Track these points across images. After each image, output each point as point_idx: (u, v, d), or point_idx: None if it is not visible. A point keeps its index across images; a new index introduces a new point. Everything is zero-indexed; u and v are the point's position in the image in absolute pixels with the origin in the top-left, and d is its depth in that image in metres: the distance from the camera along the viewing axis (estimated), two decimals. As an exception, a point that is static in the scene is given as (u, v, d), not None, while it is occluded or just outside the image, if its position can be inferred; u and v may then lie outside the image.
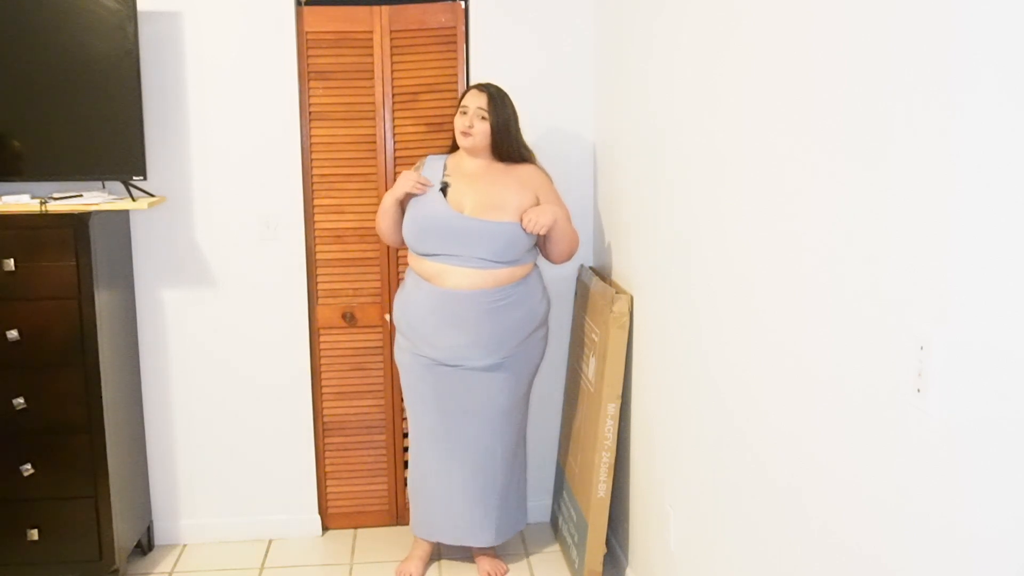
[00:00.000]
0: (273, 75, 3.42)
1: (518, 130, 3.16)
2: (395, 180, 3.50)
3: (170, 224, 3.46)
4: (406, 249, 3.31)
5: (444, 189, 3.12)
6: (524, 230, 3.05)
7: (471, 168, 3.16)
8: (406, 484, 3.65)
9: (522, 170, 3.16)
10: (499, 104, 3.10)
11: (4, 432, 3.11)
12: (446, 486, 3.23)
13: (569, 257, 3.22)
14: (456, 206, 3.09)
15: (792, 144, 1.83)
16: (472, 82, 3.43)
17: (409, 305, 3.16)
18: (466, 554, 3.45)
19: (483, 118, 3.09)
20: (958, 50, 1.31)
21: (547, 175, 3.20)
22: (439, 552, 3.47)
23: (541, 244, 3.19)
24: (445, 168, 3.18)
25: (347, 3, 3.45)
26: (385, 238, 3.28)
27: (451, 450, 3.20)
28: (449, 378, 3.14)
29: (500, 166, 3.16)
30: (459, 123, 3.12)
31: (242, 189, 3.47)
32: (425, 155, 3.32)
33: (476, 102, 3.10)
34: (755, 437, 2.05)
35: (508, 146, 3.13)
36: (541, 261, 3.27)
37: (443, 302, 3.07)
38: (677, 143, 2.55)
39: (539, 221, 3.02)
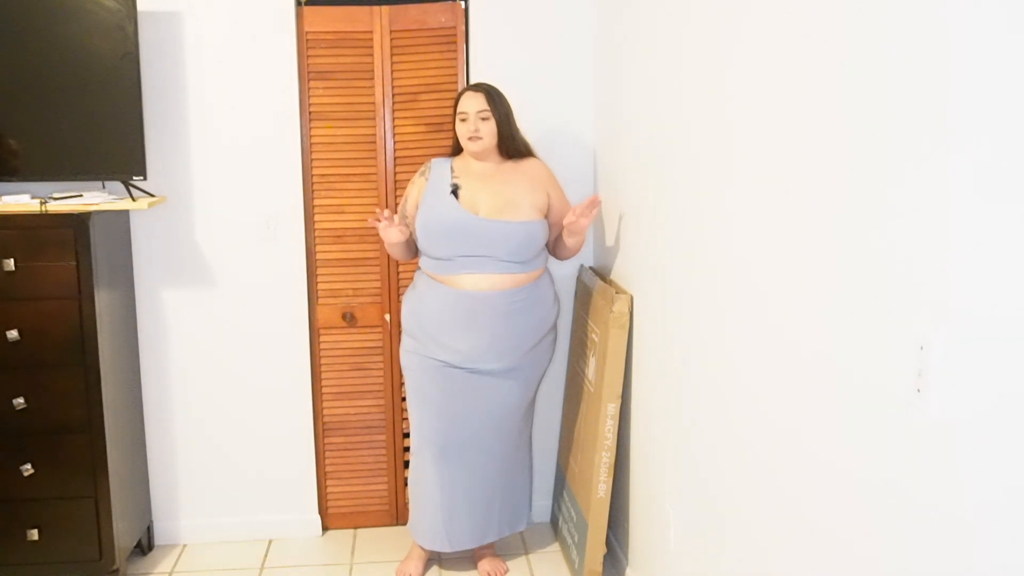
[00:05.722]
0: (273, 75, 3.42)
1: (515, 122, 3.17)
2: (395, 180, 3.51)
3: (170, 224, 3.46)
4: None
5: (455, 191, 3.11)
6: (551, 226, 3.15)
7: (479, 169, 3.15)
8: (406, 484, 3.65)
9: (528, 167, 3.16)
10: (497, 100, 3.10)
11: (4, 432, 3.11)
12: (450, 493, 3.20)
13: (574, 255, 3.27)
14: (470, 207, 3.07)
15: (794, 144, 1.83)
16: (471, 82, 3.43)
17: (421, 307, 3.15)
18: (466, 554, 3.44)
19: (485, 119, 3.08)
20: (957, 51, 1.31)
21: (549, 169, 3.22)
22: (438, 552, 3.47)
23: (552, 243, 3.20)
24: (452, 170, 3.17)
25: (347, 3, 3.45)
26: (397, 258, 3.31)
27: (457, 455, 3.18)
28: (460, 381, 3.13)
29: (508, 164, 3.16)
30: (463, 130, 3.10)
31: (242, 189, 3.47)
32: (429, 158, 3.31)
33: (475, 105, 3.09)
34: (755, 437, 2.05)
35: (512, 140, 3.14)
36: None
37: (458, 304, 3.07)
38: (677, 143, 2.55)
39: (580, 227, 3.07)
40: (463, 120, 3.10)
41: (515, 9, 3.46)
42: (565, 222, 3.08)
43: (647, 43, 2.82)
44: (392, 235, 3.11)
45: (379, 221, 3.08)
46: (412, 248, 3.24)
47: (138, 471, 3.50)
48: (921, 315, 1.40)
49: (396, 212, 3.28)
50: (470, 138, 3.09)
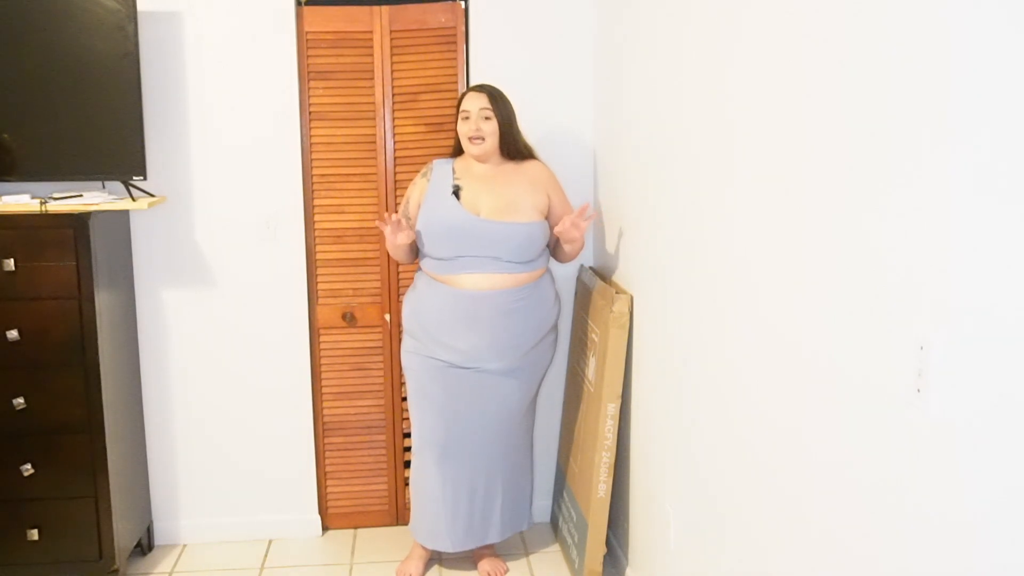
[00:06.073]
0: (273, 75, 3.42)
1: (518, 125, 3.17)
2: (395, 180, 3.51)
3: (170, 224, 3.46)
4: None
5: (457, 192, 3.11)
6: (552, 229, 3.13)
7: (480, 170, 3.15)
8: (406, 484, 3.65)
9: (530, 168, 3.16)
10: (500, 101, 3.10)
11: (4, 432, 3.11)
12: (452, 493, 3.21)
13: (574, 258, 3.26)
14: (471, 208, 3.07)
15: (794, 144, 1.83)
16: (472, 82, 3.43)
17: (421, 307, 3.15)
18: (466, 554, 3.44)
19: (487, 118, 3.08)
20: (957, 50, 1.31)
21: (551, 171, 3.21)
22: (439, 552, 3.47)
23: (552, 247, 3.21)
24: (454, 172, 3.17)
25: (347, 3, 3.45)
26: (400, 261, 3.30)
27: (458, 455, 3.18)
28: (462, 381, 3.13)
29: (509, 166, 3.16)
30: (465, 129, 3.09)
31: (242, 189, 3.47)
32: (430, 158, 3.32)
33: (478, 104, 3.09)
34: (755, 437, 2.05)
35: (514, 142, 3.14)
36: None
37: (459, 303, 3.06)
38: (677, 143, 2.55)
39: (573, 236, 3.06)
40: (465, 119, 3.10)
41: (515, 9, 3.46)
42: (556, 231, 3.07)
43: (647, 43, 2.82)
44: (400, 238, 3.09)
45: (387, 225, 3.06)
46: (415, 250, 3.23)
47: (138, 471, 3.50)
48: (921, 315, 1.40)
49: (399, 214, 3.28)
50: (472, 139, 3.08)
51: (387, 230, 3.07)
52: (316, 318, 3.60)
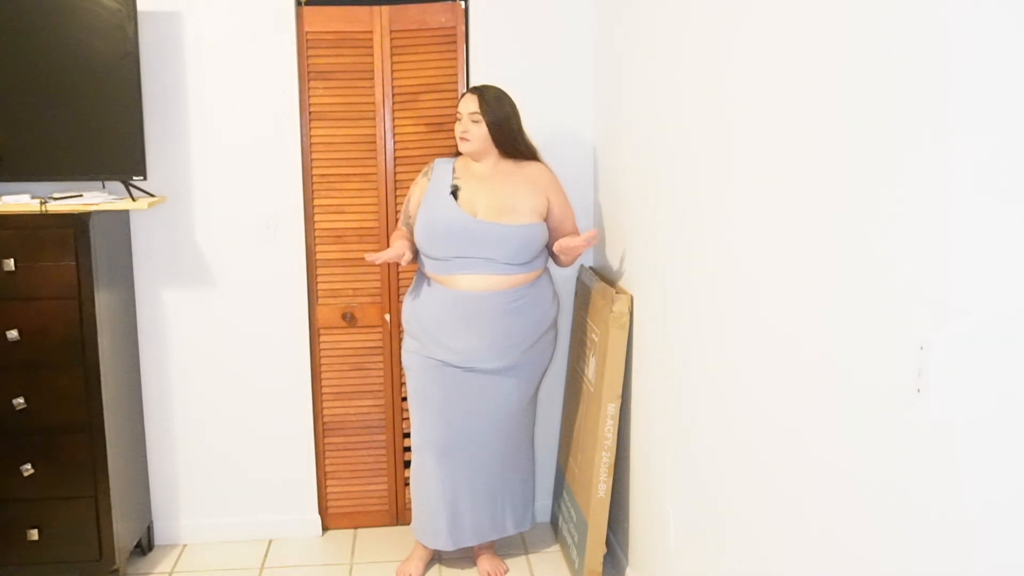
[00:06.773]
0: (273, 75, 3.42)
1: (520, 126, 3.16)
2: (395, 180, 3.52)
3: (170, 224, 3.46)
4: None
5: (455, 193, 3.12)
6: (551, 238, 3.16)
7: (480, 170, 3.16)
8: (406, 484, 3.65)
9: (530, 169, 3.17)
10: (492, 104, 3.10)
11: (4, 432, 3.11)
12: (452, 491, 3.21)
13: (570, 265, 3.28)
14: (469, 209, 3.08)
15: (794, 144, 1.83)
16: (472, 83, 3.43)
17: (420, 306, 3.16)
18: (466, 554, 3.45)
19: (475, 122, 3.09)
20: (957, 50, 1.31)
21: (553, 173, 3.21)
22: (439, 553, 3.47)
23: (550, 250, 3.21)
24: (454, 171, 3.17)
25: (347, 3, 3.45)
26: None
27: (458, 454, 3.19)
28: (460, 380, 3.13)
29: (508, 166, 3.16)
30: (456, 129, 3.14)
31: (242, 189, 3.47)
32: (430, 158, 3.33)
33: (468, 107, 3.10)
34: (755, 437, 2.05)
35: (511, 143, 3.14)
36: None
37: (457, 304, 3.07)
38: (677, 143, 2.55)
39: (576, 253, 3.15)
40: (458, 120, 3.13)
41: (515, 9, 3.46)
42: (555, 248, 3.10)
43: (647, 43, 2.82)
44: (395, 257, 3.10)
45: (376, 262, 3.08)
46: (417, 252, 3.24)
47: (138, 471, 3.50)
48: (921, 315, 1.40)
49: (401, 214, 3.29)
50: (460, 138, 3.12)
51: (380, 261, 3.08)
52: (316, 318, 3.60)
